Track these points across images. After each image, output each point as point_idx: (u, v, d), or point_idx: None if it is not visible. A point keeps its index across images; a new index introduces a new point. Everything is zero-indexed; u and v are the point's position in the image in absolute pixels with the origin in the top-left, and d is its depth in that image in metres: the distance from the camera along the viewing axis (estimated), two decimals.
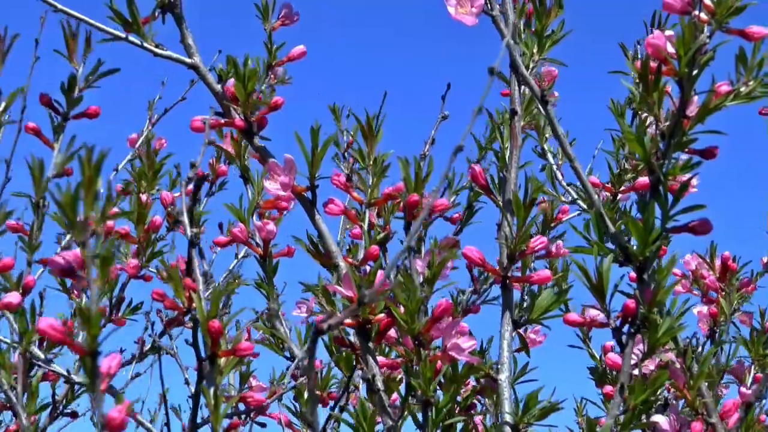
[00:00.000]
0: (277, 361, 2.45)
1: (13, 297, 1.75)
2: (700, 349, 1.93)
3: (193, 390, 2.02)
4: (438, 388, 1.74)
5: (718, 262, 2.66)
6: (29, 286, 2.00)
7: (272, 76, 1.98)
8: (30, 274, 2.05)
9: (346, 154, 2.34)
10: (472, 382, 1.88)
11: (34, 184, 1.98)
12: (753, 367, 2.46)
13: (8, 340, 2.16)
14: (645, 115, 1.76)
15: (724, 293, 2.54)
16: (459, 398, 1.81)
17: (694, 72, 1.62)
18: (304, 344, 2.07)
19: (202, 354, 1.92)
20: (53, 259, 1.37)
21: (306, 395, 2.06)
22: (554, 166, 2.45)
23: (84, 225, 1.14)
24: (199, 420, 2.07)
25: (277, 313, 2.08)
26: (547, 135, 2.42)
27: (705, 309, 2.56)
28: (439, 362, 1.70)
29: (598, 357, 2.25)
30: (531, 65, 1.93)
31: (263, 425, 2.67)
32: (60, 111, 2.06)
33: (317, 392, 2.16)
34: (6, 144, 2.09)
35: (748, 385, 2.43)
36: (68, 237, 2.44)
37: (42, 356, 2.17)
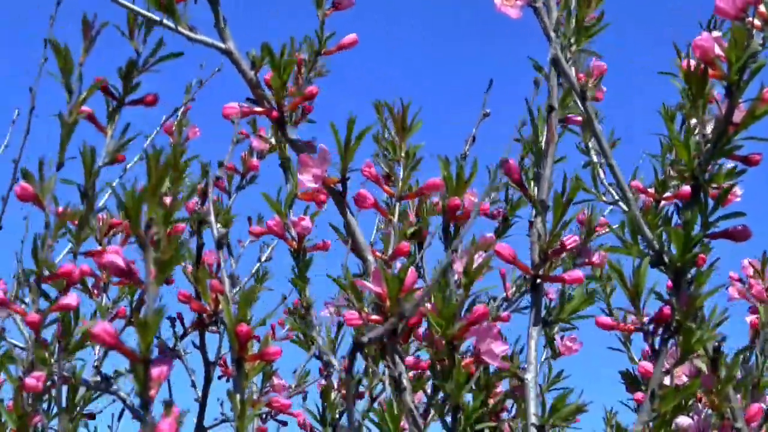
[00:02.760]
0: (301, 356, 2.43)
1: (72, 299, 1.70)
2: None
3: (200, 393, 1.99)
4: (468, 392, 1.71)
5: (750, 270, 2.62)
6: (74, 280, 1.95)
7: (317, 64, 1.91)
8: (76, 267, 1.99)
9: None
10: (502, 386, 1.85)
11: (85, 173, 1.91)
12: None
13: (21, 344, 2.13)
14: (694, 120, 1.72)
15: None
16: (490, 402, 1.78)
17: (745, 79, 1.59)
18: (331, 345, 2.04)
19: (209, 357, 1.90)
20: (112, 261, 1.33)
21: (341, 402, 2.03)
22: (598, 165, 2.39)
23: (146, 229, 1.11)
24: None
25: (310, 308, 2.04)
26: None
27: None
28: (473, 367, 1.67)
29: (637, 361, 2.22)
30: (568, 56, 1.88)
31: (285, 423, 2.64)
32: (116, 96, 1.99)
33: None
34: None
35: None
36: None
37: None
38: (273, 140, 2.12)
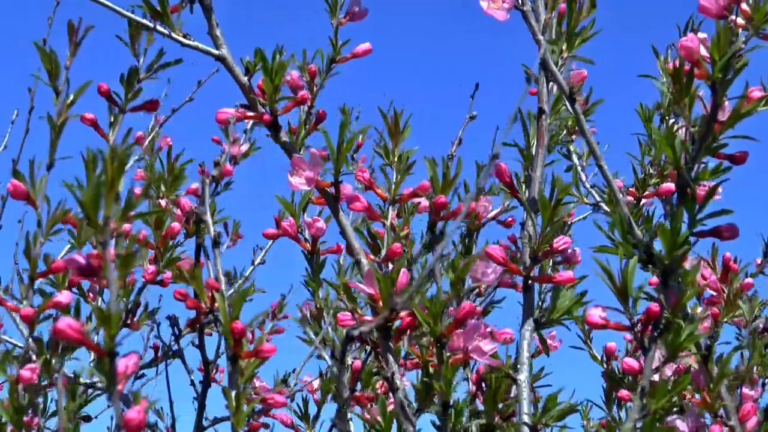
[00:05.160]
0: (281, 363, 2.46)
1: (64, 296, 1.74)
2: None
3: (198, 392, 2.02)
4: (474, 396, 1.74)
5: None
6: (74, 283, 2.00)
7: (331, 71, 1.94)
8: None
9: (355, 155, 2.33)
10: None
11: (88, 178, 1.96)
12: (755, 369, 2.46)
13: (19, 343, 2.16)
14: (672, 120, 1.74)
15: (741, 297, 2.52)
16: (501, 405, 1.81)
17: (729, 77, 1.61)
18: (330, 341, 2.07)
19: (208, 357, 1.92)
20: (73, 258, 1.35)
21: (336, 399, 2.05)
22: (579, 168, 2.43)
23: (105, 224, 1.13)
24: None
25: (323, 311, 2.07)
26: (573, 137, 2.40)
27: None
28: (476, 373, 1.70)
29: (599, 358, 2.25)
30: (560, 62, 1.92)
31: (267, 426, 2.66)
32: (118, 103, 2.05)
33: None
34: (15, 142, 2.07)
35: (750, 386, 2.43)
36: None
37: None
38: (246, 145, 2.15)
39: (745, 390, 2.19)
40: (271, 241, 3.11)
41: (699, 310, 2.56)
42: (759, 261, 2.91)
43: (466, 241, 2.05)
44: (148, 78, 1.93)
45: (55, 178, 1.76)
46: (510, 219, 2.37)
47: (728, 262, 2.66)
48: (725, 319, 2.55)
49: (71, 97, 1.73)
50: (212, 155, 2.37)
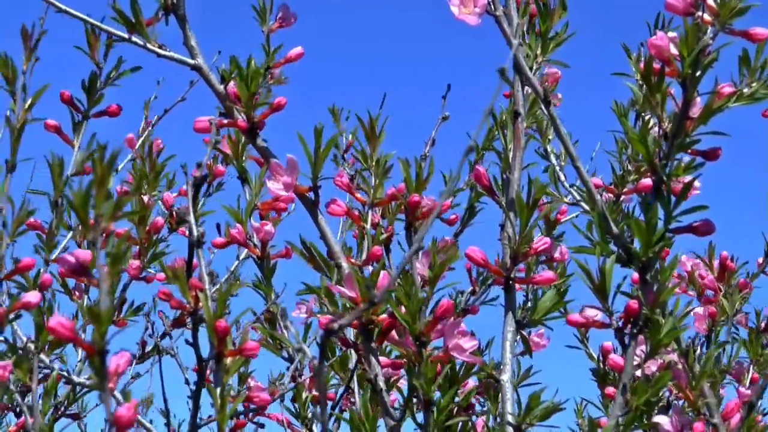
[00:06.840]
0: (275, 363, 2.47)
1: (33, 296, 1.76)
2: (699, 349, 1.93)
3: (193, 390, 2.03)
4: (437, 388, 1.74)
5: (716, 263, 2.66)
6: (46, 284, 2.02)
7: (269, 77, 1.97)
8: (47, 273, 2.07)
9: (345, 155, 2.35)
10: (470, 382, 1.88)
11: (53, 183, 2.01)
12: (751, 367, 2.47)
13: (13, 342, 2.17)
14: (648, 116, 1.75)
15: (725, 294, 2.54)
16: (457, 398, 1.81)
17: (698, 73, 1.62)
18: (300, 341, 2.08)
19: (203, 354, 1.93)
20: (64, 258, 1.36)
21: (312, 394, 2.06)
22: (557, 168, 2.44)
23: (95, 223, 1.15)
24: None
25: (284, 313, 2.08)
26: (550, 136, 2.41)
27: (701, 309, 2.57)
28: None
29: (596, 357, 2.25)
30: (534, 66, 1.93)
31: (262, 426, 2.68)
32: (81, 109, 2.10)
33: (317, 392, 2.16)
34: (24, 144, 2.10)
35: (747, 385, 2.45)
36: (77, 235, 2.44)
37: (45, 358, 2.18)
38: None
39: (741, 389, 2.20)
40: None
41: (696, 309, 2.59)
42: (761, 260, 2.91)
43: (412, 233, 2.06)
44: (109, 85, 1.98)
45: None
46: (453, 216, 2.38)
47: (725, 261, 2.67)
48: (723, 319, 2.57)
49: (29, 101, 1.77)
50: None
